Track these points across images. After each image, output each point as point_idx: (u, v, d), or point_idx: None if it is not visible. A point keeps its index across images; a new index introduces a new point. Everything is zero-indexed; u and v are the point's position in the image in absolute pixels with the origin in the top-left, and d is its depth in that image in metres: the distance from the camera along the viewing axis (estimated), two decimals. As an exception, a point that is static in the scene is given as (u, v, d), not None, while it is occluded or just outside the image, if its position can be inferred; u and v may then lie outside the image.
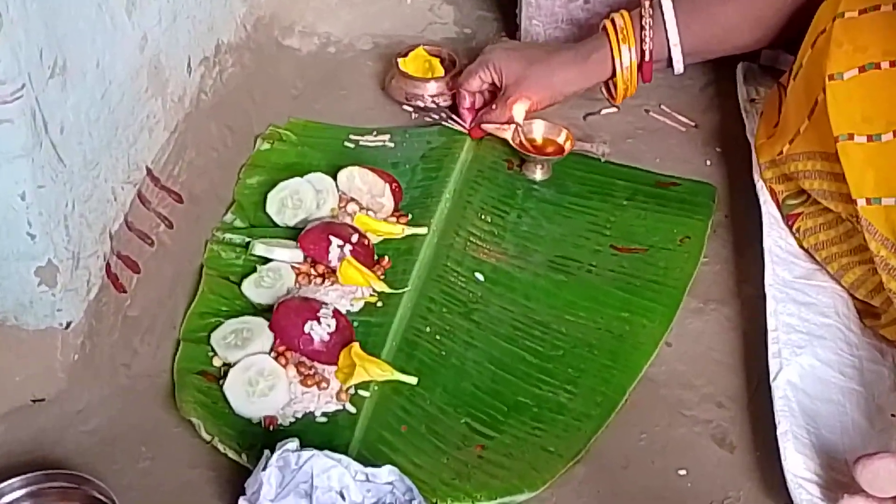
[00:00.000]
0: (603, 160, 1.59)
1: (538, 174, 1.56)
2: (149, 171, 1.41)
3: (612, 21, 1.51)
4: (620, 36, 1.50)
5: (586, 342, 1.32)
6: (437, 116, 1.64)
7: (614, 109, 1.69)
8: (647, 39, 1.49)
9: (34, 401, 1.22)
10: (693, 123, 1.67)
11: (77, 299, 1.24)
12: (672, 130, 1.67)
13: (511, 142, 1.57)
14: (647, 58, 1.50)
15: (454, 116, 1.63)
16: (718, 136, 1.64)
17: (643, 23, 1.49)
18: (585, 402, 1.25)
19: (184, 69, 1.52)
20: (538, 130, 1.59)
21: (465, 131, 1.62)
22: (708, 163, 1.60)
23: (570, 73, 1.55)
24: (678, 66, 1.52)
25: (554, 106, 1.64)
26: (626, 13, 1.52)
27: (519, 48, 1.68)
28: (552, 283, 1.41)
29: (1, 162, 1.10)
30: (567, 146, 1.56)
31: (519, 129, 1.57)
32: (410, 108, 1.69)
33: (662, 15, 1.49)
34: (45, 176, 1.14)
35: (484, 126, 1.60)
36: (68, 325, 1.24)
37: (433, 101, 1.66)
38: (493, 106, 1.59)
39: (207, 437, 1.19)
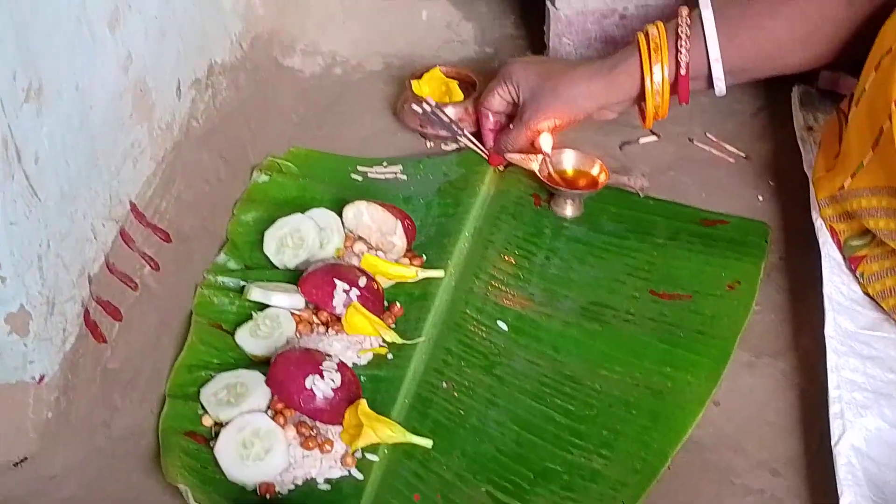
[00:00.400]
0: (641, 195, 1.60)
1: (568, 210, 1.57)
2: (133, 207, 1.43)
3: (646, 32, 1.51)
4: (652, 46, 1.48)
5: (623, 400, 1.33)
6: (456, 137, 1.65)
7: (654, 138, 1.71)
8: (683, 51, 1.46)
9: (16, 464, 1.23)
10: (743, 154, 1.69)
11: (51, 350, 1.25)
12: (719, 161, 1.68)
13: (538, 174, 1.58)
14: (682, 72, 1.48)
15: (474, 140, 1.65)
16: (771, 169, 1.66)
17: (679, 32, 1.47)
18: (622, 468, 1.25)
19: (172, 92, 1.54)
20: (568, 161, 1.60)
21: (487, 158, 1.65)
22: (760, 198, 1.61)
23: (593, 87, 1.54)
24: (719, 86, 1.49)
25: (585, 132, 1.66)
26: (661, 24, 1.50)
27: (539, 61, 1.69)
28: (584, 332, 1.41)
29: (-31, 196, 1.12)
30: (601, 179, 1.57)
31: (547, 159, 1.58)
32: (426, 136, 1.72)
33: (702, 24, 1.46)
34: (18, 211, 1.16)
35: (508, 156, 1.62)
36: (41, 378, 1.24)
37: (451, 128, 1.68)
38: (510, 126, 1.60)
39: (196, 506, 1.19)
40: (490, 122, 1.64)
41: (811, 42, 1.46)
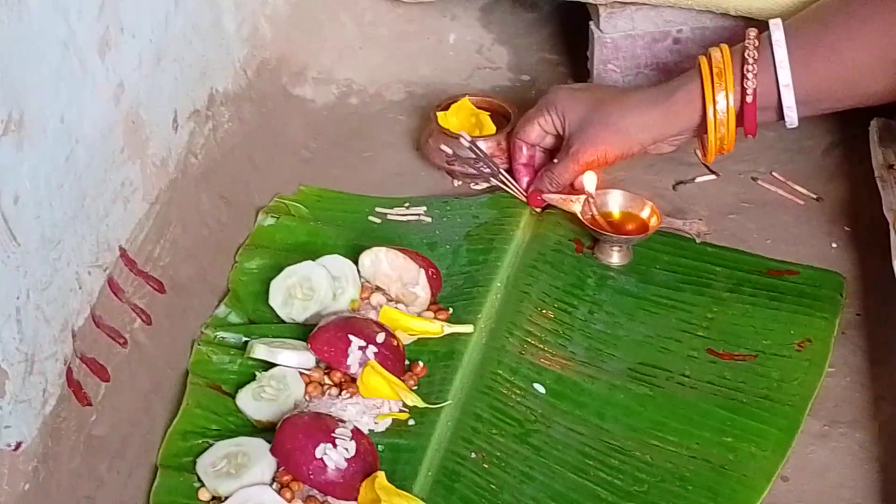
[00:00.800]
0: (698, 241, 1.60)
1: (615, 258, 1.57)
2: (122, 252, 1.44)
3: (708, 56, 1.51)
4: (715, 72, 1.49)
5: (678, 475, 1.32)
6: (490, 176, 1.66)
7: (712, 177, 1.71)
8: (751, 77, 1.46)
9: None
10: (814, 195, 1.69)
11: (30, 413, 1.25)
12: (787, 204, 1.68)
13: (580, 217, 1.58)
14: (748, 100, 1.47)
15: (508, 177, 1.66)
16: (847, 212, 1.66)
17: (746, 56, 1.47)
18: (677, 552, 1.24)
19: (168, 125, 1.55)
20: (615, 203, 1.60)
21: (524, 199, 1.65)
22: (833, 245, 1.61)
23: (648, 117, 1.54)
24: (791, 117, 1.49)
25: (634, 170, 1.67)
26: (725, 47, 1.50)
27: (586, 88, 1.70)
28: (633, 397, 1.41)
29: (-60, 239, 1.13)
30: (652, 223, 1.57)
31: (590, 200, 1.58)
32: (454, 174, 1.72)
33: (772, 49, 1.46)
34: (-5, 257, 1.17)
35: (546, 197, 1.62)
36: (18, 445, 1.24)
37: (482, 166, 1.68)
38: (555, 160, 1.60)
39: (192, 593, 1.19)
40: (524, 155, 1.65)
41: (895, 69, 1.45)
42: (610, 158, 1.57)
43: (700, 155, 1.57)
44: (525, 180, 1.65)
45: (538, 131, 1.63)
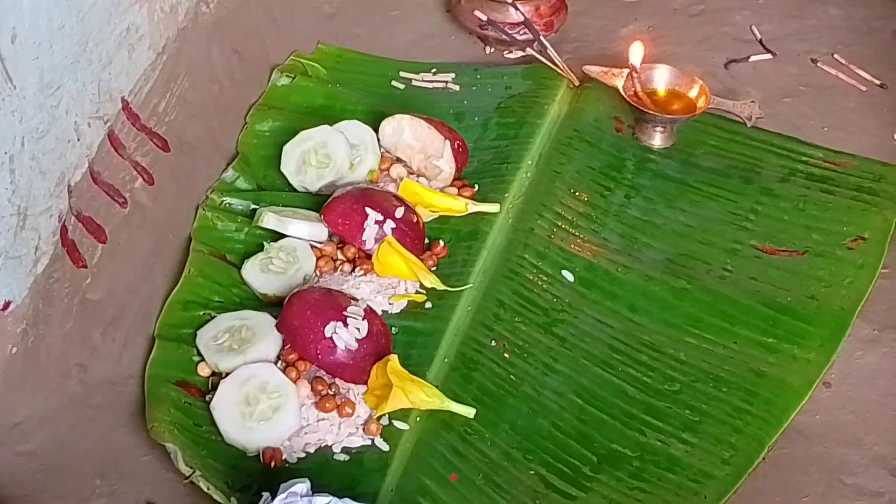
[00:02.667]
0: (749, 125, 1.59)
1: (657, 139, 1.57)
2: (125, 105, 1.43)
3: None
4: None
5: (712, 374, 1.32)
6: (521, 41, 1.65)
7: (769, 56, 1.69)
8: None
9: None
10: (878, 82, 1.67)
11: (21, 271, 1.26)
12: (849, 89, 1.67)
13: (622, 92, 1.57)
14: None
15: (548, 45, 1.64)
16: (914, 101, 1.65)
17: None
18: (707, 457, 1.25)
19: (180, -32, 1.54)
20: (661, 79, 1.59)
21: (565, 75, 1.64)
22: (896, 137, 1.61)
23: None
24: None
25: (684, 45, 1.66)
26: None
27: None
28: (669, 290, 1.41)
29: (-71, 78, 1.13)
30: (700, 103, 1.56)
31: (634, 75, 1.58)
32: (486, 39, 1.71)
33: None
34: (-12, 100, 1.17)
35: (586, 69, 1.62)
36: (6, 305, 1.25)
37: (518, 32, 1.67)
38: None
39: (186, 471, 1.20)
40: None
41: None
42: None
43: None
44: None
45: None
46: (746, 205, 1.51)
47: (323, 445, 1.24)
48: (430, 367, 1.32)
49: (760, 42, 1.68)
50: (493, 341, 1.35)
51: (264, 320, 1.32)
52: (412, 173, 1.50)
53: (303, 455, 1.24)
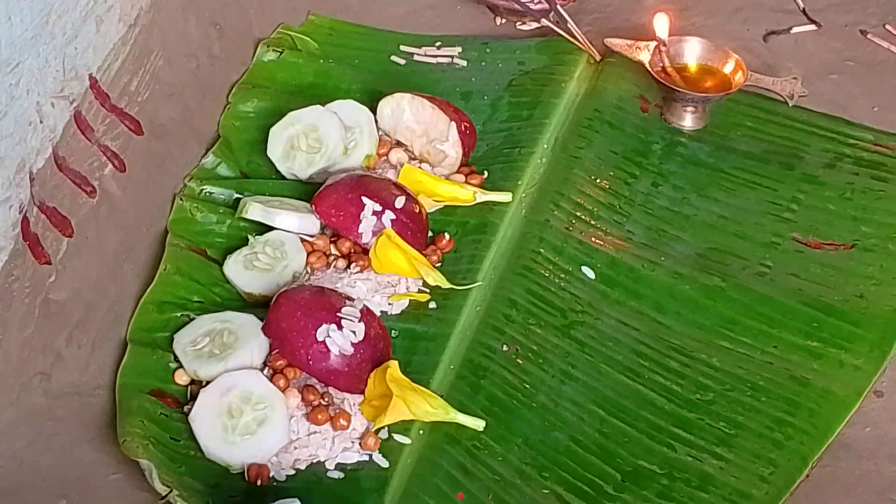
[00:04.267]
0: (791, 104, 1.60)
1: (688, 120, 1.57)
2: (93, 83, 1.44)
3: None
4: None
5: (749, 382, 1.33)
6: (535, 11, 1.66)
7: (812, 27, 1.70)
8: None
9: None
10: (935, 56, 1.69)
11: (-24, 269, 1.27)
12: (901, 65, 1.68)
13: (649, 68, 1.58)
14: None
15: (566, 16, 1.65)
16: (975, 77, 1.66)
17: None
18: (744, 474, 1.25)
19: (153, -69, 1.55)
20: (692, 53, 1.60)
21: (584, 49, 1.64)
22: (956, 118, 1.61)
23: None
24: None
25: (717, 16, 1.67)
26: None
27: None
28: (700, 289, 1.41)
29: None
30: (736, 80, 1.57)
31: (662, 48, 1.58)
32: (497, 9, 1.72)
33: None
34: (-60, 78, 1.18)
35: (608, 42, 1.63)
36: (-39, 307, 1.26)
37: (532, 1, 1.68)
38: None
39: (161, 490, 1.20)
40: None
41: None
42: None
43: None
44: None
45: None
46: (787, 193, 1.51)
47: (315, 462, 1.25)
48: (434, 375, 1.33)
49: (803, 12, 1.69)
50: (505, 346, 1.35)
51: (249, 323, 1.32)
52: (414, 159, 1.51)
53: (292, 472, 1.24)
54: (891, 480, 1.27)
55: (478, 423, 1.27)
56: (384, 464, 1.25)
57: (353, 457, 1.25)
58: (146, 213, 1.45)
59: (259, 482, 1.22)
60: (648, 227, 1.47)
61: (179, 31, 1.58)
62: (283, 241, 1.40)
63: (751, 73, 1.58)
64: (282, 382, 1.27)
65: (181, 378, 1.30)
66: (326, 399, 1.28)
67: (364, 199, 1.40)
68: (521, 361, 1.34)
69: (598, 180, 1.51)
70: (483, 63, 1.65)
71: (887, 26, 1.69)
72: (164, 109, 1.52)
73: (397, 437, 1.27)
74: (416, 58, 1.65)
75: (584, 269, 1.42)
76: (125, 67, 1.49)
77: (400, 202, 1.40)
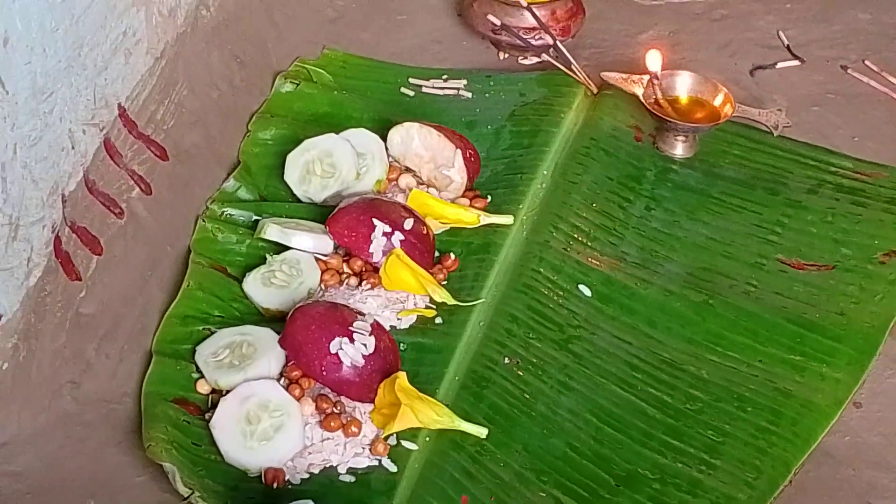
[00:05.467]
0: (776, 134, 1.60)
1: (679, 149, 1.58)
2: (122, 112, 1.44)
3: None
4: None
5: (736, 394, 1.33)
6: (536, 46, 1.66)
7: (796, 63, 1.70)
8: None
9: None
10: (911, 88, 1.69)
11: (12, 284, 1.27)
12: (879, 97, 1.68)
13: (643, 100, 1.58)
14: None
15: (565, 51, 1.65)
16: (949, 110, 1.66)
17: None
18: (731, 479, 1.25)
19: (179, -30, 1.56)
20: (683, 86, 1.60)
21: (581, 82, 1.65)
22: (930, 147, 1.61)
23: None
24: None
25: (707, 50, 1.68)
26: None
27: None
28: (690, 306, 1.41)
29: (-83, 81, 1.14)
30: (724, 111, 1.57)
31: (655, 81, 1.59)
32: (500, 44, 1.72)
33: None
34: (-22, 105, 1.18)
35: (604, 76, 1.63)
36: (-3, 319, 1.27)
37: (533, 37, 1.68)
38: None
39: (184, 492, 1.21)
40: None
41: None
42: None
43: None
44: None
45: None
46: (772, 217, 1.51)
47: (328, 466, 1.25)
48: (439, 385, 1.33)
49: (788, 48, 1.70)
50: (506, 358, 1.35)
51: (266, 336, 1.32)
52: (422, 183, 1.51)
53: (306, 476, 1.24)
54: (869, 485, 1.27)
55: (480, 431, 1.28)
56: (393, 468, 1.25)
57: (364, 462, 1.25)
58: (171, 232, 1.45)
59: (275, 485, 1.22)
60: (641, 248, 1.48)
61: (203, 63, 1.59)
62: (299, 260, 1.40)
63: (738, 105, 1.59)
64: (297, 392, 1.28)
65: (203, 387, 1.31)
66: (339, 407, 1.28)
67: (375, 220, 1.40)
68: (521, 373, 1.34)
69: (594, 204, 1.52)
70: (487, 94, 1.65)
71: (866, 62, 1.69)
72: (188, 136, 1.53)
73: (405, 443, 1.27)
74: (424, 89, 1.66)
75: (581, 287, 1.43)
76: (152, 97, 1.49)
77: (409, 224, 1.41)
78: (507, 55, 1.72)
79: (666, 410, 1.32)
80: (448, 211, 1.47)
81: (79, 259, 1.35)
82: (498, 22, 1.68)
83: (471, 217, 1.47)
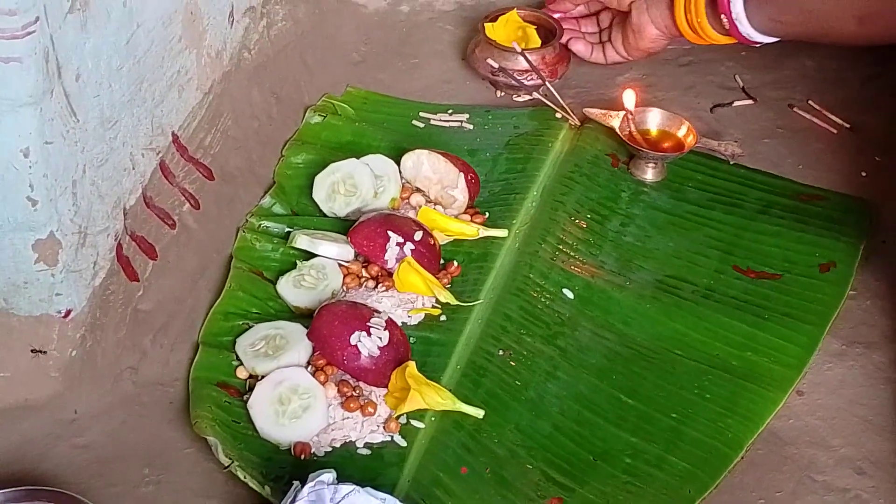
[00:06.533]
0: (732, 162, 1.61)
1: (649, 174, 1.58)
2: (175, 138, 1.45)
3: None
4: None
5: (697, 384, 1.33)
6: (528, 86, 1.67)
7: (750, 102, 1.71)
8: None
9: (34, 351, 1.25)
10: (847, 125, 1.68)
11: (80, 283, 1.28)
12: (821, 132, 1.68)
13: (618, 132, 1.59)
14: None
15: (553, 90, 1.66)
16: (879, 143, 1.65)
17: None
18: (691, 456, 1.26)
19: (224, 19, 1.55)
20: (653, 121, 1.61)
21: (567, 117, 1.65)
22: (863, 174, 1.61)
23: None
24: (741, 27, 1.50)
25: (673, 91, 1.68)
26: None
27: None
28: (659, 307, 1.42)
29: (3, 109, 1.13)
30: (688, 142, 1.58)
31: (629, 117, 1.59)
32: (497, 84, 1.72)
33: None
34: (55, 130, 1.18)
35: (586, 111, 1.63)
36: (68, 313, 1.27)
37: (526, 78, 1.69)
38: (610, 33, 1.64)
39: (225, 462, 1.22)
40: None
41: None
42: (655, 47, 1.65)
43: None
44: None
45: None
46: (729, 232, 1.52)
47: (347, 441, 1.26)
48: (444, 373, 1.33)
49: (742, 89, 1.71)
50: (501, 351, 1.36)
51: (296, 330, 1.33)
52: (430, 201, 1.51)
53: (329, 449, 1.25)
54: (809, 461, 1.27)
55: (478, 412, 1.28)
56: (403, 443, 1.26)
57: (379, 437, 1.26)
58: (216, 242, 1.46)
59: (303, 456, 1.23)
60: (617, 258, 1.48)
61: (245, 97, 1.59)
62: (325, 266, 1.41)
63: (700, 137, 1.59)
64: (322, 377, 1.28)
65: (241, 373, 1.31)
66: (357, 391, 1.29)
67: (390, 233, 1.40)
68: (513, 364, 1.35)
69: (577, 221, 1.52)
70: (486, 127, 1.66)
71: (810, 101, 1.70)
72: (232, 160, 1.54)
73: (414, 422, 1.28)
74: (432, 122, 1.66)
75: (565, 290, 1.43)
76: (201, 126, 1.50)
77: (418, 236, 1.41)
78: (503, 93, 1.71)
79: (637, 397, 1.32)
80: (452, 225, 1.47)
81: (137, 263, 1.36)
82: (496, 65, 1.69)
83: (471, 230, 1.48)
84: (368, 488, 1.12)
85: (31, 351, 1.25)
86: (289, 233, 1.46)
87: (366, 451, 1.25)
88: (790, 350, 1.36)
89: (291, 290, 1.39)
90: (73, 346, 1.27)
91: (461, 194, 1.49)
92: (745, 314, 1.41)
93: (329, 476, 1.14)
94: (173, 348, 1.35)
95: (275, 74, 1.65)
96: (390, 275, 1.39)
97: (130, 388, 1.31)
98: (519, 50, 1.68)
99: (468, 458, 1.25)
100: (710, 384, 1.33)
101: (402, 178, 1.52)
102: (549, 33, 1.74)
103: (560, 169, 1.59)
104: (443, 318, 1.39)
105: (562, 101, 1.66)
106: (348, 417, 1.27)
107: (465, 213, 1.51)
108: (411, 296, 1.39)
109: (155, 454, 1.25)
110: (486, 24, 1.73)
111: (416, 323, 1.38)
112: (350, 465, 1.22)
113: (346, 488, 1.12)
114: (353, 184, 1.49)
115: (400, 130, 1.64)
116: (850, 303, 1.43)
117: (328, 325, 1.30)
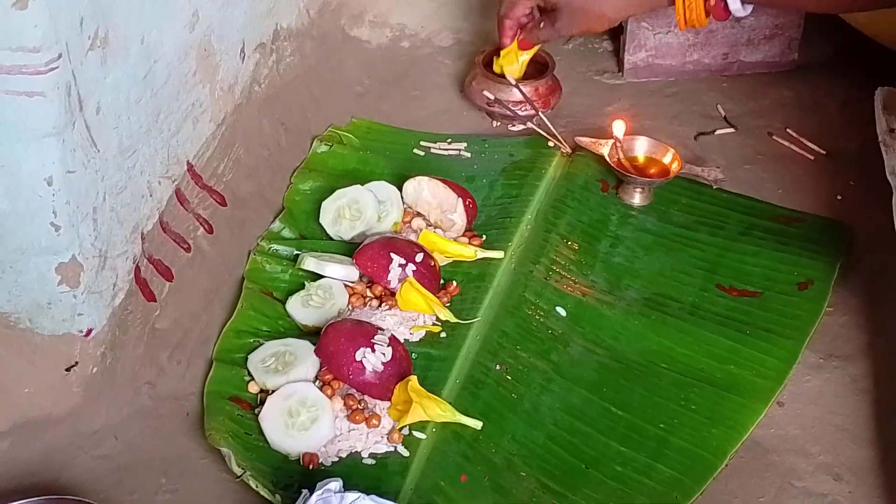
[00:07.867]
0: (715, 187, 1.61)
1: (637, 198, 1.59)
2: (190, 167, 1.46)
3: None
4: None
5: (682, 396, 1.34)
6: (522, 116, 1.68)
7: (731, 130, 1.72)
8: None
9: (68, 369, 1.26)
10: (824, 151, 1.69)
11: (101, 304, 1.28)
12: (798, 158, 1.68)
13: (608, 159, 1.60)
14: None
15: (546, 120, 1.67)
16: (854, 168, 1.65)
17: None
18: (678, 464, 1.26)
19: (236, 54, 1.57)
20: (640, 148, 1.62)
21: (559, 145, 1.66)
22: (839, 198, 1.62)
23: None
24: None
25: (659, 121, 1.69)
26: None
27: None
28: (646, 323, 1.42)
29: (28, 140, 1.14)
30: (673, 168, 1.59)
31: (618, 144, 1.60)
32: (493, 115, 1.73)
33: None
34: (76, 160, 1.19)
35: (577, 140, 1.64)
36: (89, 332, 1.28)
37: (520, 109, 1.70)
38: (541, 25, 1.63)
39: (237, 471, 1.22)
40: (510, 33, 1.67)
41: None
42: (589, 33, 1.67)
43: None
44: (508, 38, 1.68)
45: (522, 7, 1.65)
46: (712, 253, 1.52)
47: (353, 451, 1.26)
48: (444, 387, 1.34)
49: (724, 118, 1.72)
50: (497, 365, 1.36)
51: (305, 346, 1.33)
52: (430, 225, 1.52)
53: (336, 459, 1.25)
54: (790, 468, 1.28)
55: (476, 424, 1.29)
56: (406, 453, 1.26)
57: (383, 448, 1.26)
58: (229, 264, 1.47)
59: (311, 466, 1.24)
60: (607, 278, 1.49)
61: (255, 128, 1.60)
62: (331, 286, 1.41)
63: (685, 163, 1.60)
64: (329, 391, 1.29)
65: (253, 388, 1.32)
66: (363, 404, 1.29)
67: (392, 254, 1.41)
68: (509, 377, 1.35)
69: (569, 242, 1.53)
70: (483, 154, 1.66)
71: (788, 129, 1.71)
72: (244, 187, 1.54)
73: (416, 433, 1.28)
74: (432, 150, 1.67)
75: (558, 308, 1.44)
76: (214, 155, 1.51)
77: (419, 257, 1.42)
78: (499, 123, 1.73)
79: (626, 408, 1.32)
80: (451, 247, 1.48)
81: (154, 284, 1.37)
82: (492, 97, 1.70)
83: (469, 252, 1.48)
84: (373, 496, 1.13)
85: (66, 369, 1.26)
86: (297, 255, 1.47)
87: (370, 461, 1.25)
88: (771, 363, 1.37)
89: (300, 309, 1.40)
90: (93, 362, 1.28)
91: (460, 218, 1.50)
92: (728, 330, 1.41)
93: (336, 484, 1.14)
94: (188, 364, 1.36)
95: (284, 106, 1.66)
96: (393, 294, 1.40)
97: (148, 401, 1.32)
98: (513, 82, 1.69)
99: (467, 467, 1.25)
100: (695, 396, 1.33)
101: (403, 203, 1.53)
102: (541, 67, 1.75)
103: (553, 194, 1.60)
104: (443, 334, 1.39)
105: (554, 130, 1.66)
106: (354, 429, 1.27)
107: (463, 235, 1.51)
108: (413, 314, 1.40)
109: (172, 464, 1.26)
110: (494, 57, 1.71)
111: (417, 339, 1.38)
112: (356, 473, 1.23)
113: (352, 496, 1.12)
114: (358, 209, 1.50)
115: (402, 158, 1.65)
116: (828, 318, 1.44)
117: (335, 342, 1.30)
